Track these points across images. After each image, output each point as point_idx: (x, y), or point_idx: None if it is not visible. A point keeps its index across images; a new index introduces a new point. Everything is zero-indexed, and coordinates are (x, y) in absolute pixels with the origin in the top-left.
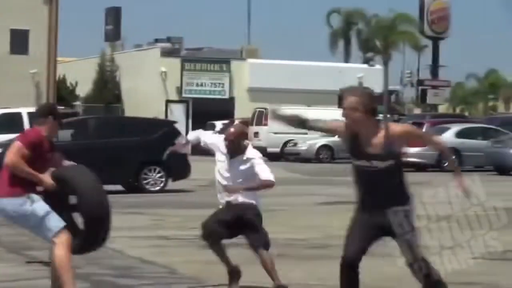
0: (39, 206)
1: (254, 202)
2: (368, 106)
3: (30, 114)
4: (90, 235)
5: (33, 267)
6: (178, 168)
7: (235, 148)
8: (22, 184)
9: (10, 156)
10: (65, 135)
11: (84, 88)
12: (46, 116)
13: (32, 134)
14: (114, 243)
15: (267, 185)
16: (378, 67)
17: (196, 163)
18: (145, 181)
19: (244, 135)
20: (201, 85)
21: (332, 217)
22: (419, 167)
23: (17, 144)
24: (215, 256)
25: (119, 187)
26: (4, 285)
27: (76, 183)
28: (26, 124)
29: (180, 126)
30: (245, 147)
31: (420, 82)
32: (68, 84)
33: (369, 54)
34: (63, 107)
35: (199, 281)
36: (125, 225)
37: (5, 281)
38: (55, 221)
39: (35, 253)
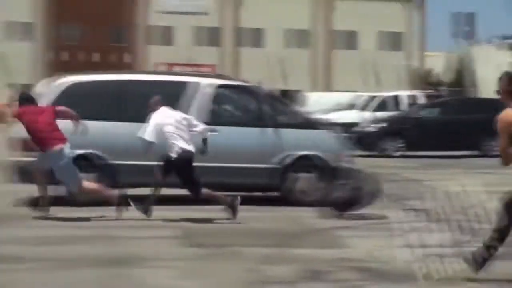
0: None
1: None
2: None
3: (408, 97)
4: None
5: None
6: None
7: None
8: None
9: None
10: (434, 112)
11: (446, 76)
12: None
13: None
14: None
15: None
16: None
17: None
18: (488, 147)
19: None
20: None
21: None
22: None
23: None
24: None
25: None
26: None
27: None
28: (405, 104)
29: None
30: None
31: None
32: (434, 73)
33: None
34: (431, 91)
35: None
36: (479, 183)
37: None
38: None
39: (411, 202)
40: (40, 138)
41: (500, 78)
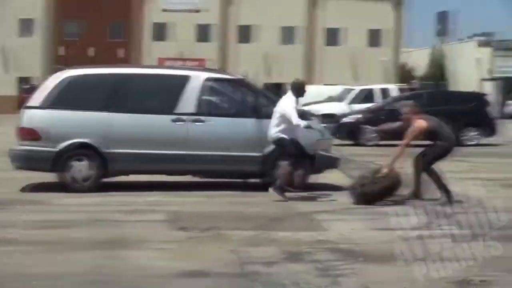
0: None
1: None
2: None
3: (381, 90)
4: None
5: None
6: (488, 127)
7: None
8: None
9: None
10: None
11: (420, 71)
12: None
13: None
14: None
15: None
16: None
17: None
18: (464, 138)
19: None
20: (508, 67)
21: None
22: None
23: None
24: None
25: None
26: None
27: None
28: (378, 97)
29: (491, 98)
30: None
31: None
32: (409, 68)
33: None
34: (405, 84)
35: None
36: (451, 170)
37: None
38: None
39: None
40: None
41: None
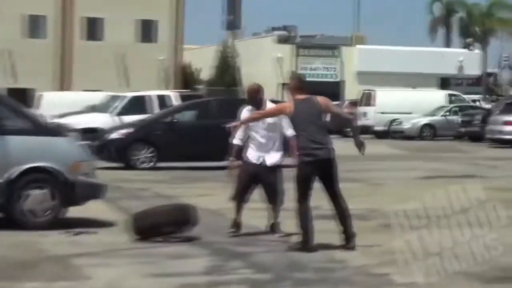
0: None
1: None
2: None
3: (158, 97)
4: None
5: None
6: None
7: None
8: None
9: None
10: (190, 115)
11: (207, 73)
12: None
13: None
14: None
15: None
16: (477, 51)
17: None
18: None
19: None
20: (314, 69)
21: (433, 190)
22: None
23: None
24: None
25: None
26: None
27: None
28: (156, 107)
29: None
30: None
31: None
32: (193, 70)
33: (469, 40)
34: (187, 90)
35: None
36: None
37: None
38: None
39: None
40: None
41: (291, 77)
